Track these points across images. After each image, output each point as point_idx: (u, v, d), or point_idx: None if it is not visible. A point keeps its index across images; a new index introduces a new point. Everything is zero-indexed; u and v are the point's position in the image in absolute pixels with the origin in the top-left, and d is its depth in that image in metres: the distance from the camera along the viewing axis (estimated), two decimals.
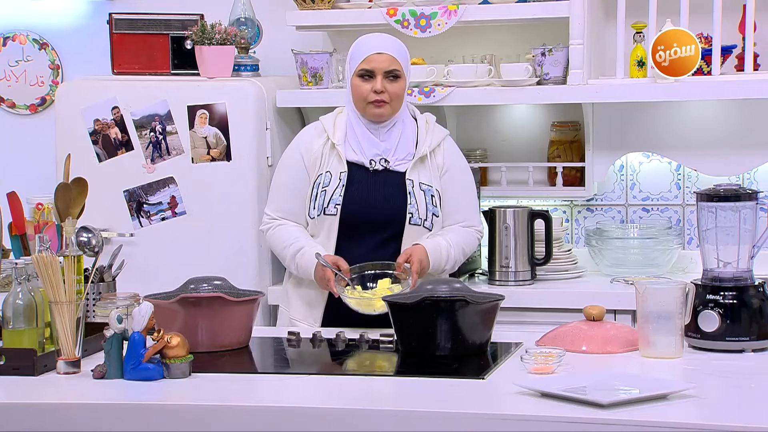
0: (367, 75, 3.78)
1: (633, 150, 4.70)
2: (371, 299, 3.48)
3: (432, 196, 3.80)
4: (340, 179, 3.79)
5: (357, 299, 3.49)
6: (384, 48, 3.81)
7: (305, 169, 3.85)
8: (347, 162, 3.81)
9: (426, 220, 3.78)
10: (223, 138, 4.54)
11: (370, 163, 3.80)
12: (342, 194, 3.77)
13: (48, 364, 3.08)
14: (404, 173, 3.80)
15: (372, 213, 3.78)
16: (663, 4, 4.38)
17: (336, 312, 3.68)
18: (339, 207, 3.77)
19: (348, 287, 3.59)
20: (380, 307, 3.43)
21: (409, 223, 3.77)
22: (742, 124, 4.57)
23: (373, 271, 3.65)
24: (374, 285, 3.64)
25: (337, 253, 3.77)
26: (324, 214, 3.78)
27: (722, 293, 3.18)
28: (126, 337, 2.99)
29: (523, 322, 4.14)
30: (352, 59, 3.83)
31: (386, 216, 3.78)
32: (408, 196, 3.77)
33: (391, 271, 3.66)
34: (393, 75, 3.78)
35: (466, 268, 4.43)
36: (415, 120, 3.90)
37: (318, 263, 3.69)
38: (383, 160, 3.81)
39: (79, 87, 4.72)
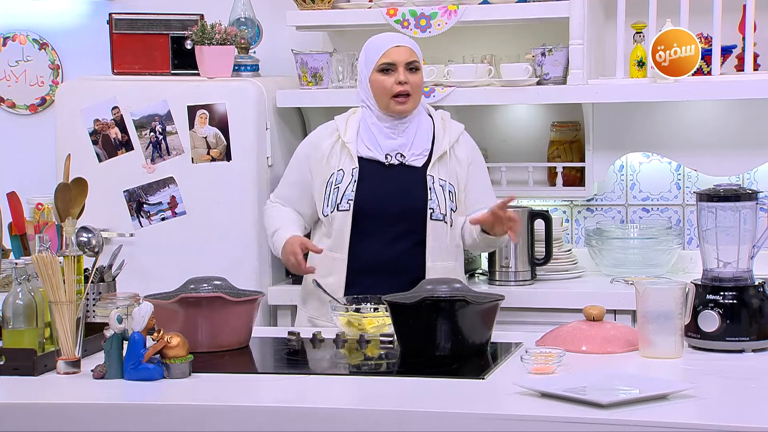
0: (388, 68, 3.82)
1: (633, 150, 4.70)
2: (362, 318, 3.43)
3: (450, 192, 3.82)
4: (353, 175, 3.82)
5: (348, 317, 3.45)
6: (401, 41, 3.88)
7: (309, 169, 3.92)
8: (361, 158, 3.84)
9: (446, 215, 3.81)
10: (223, 138, 4.54)
11: (386, 158, 3.83)
12: (354, 189, 3.81)
13: (48, 364, 3.07)
14: (420, 168, 3.83)
15: (387, 206, 3.81)
16: (663, 4, 4.38)
17: None
18: (351, 202, 3.80)
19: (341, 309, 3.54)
20: (371, 330, 3.41)
21: (431, 218, 3.80)
22: (742, 124, 4.57)
23: (369, 303, 3.59)
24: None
25: (352, 249, 3.82)
26: (337, 210, 3.80)
27: (722, 293, 3.18)
28: (126, 337, 2.99)
29: (523, 322, 4.13)
30: (368, 58, 3.87)
31: (402, 209, 3.81)
32: (429, 191, 3.80)
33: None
34: (413, 67, 3.84)
35: (467, 268, 4.43)
36: (431, 117, 3.94)
37: (285, 244, 3.80)
38: (399, 155, 3.83)
39: (79, 87, 4.72)
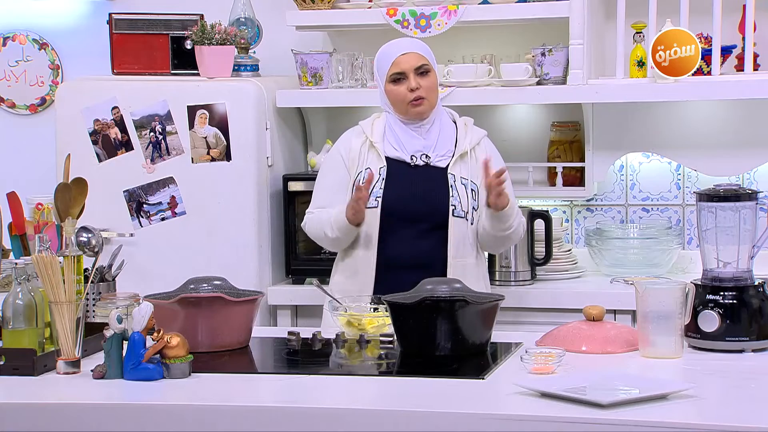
0: (399, 78, 3.86)
1: (633, 150, 4.70)
2: (362, 318, 3.42)
3: (472, 190, 3.87)
4: (380, 174, 3.87)
5: (348, 317, 3.45)
6: (408, 48, 3.91)
7: (346, 168, 3.92)
8: (388, 159, 3.89)
9: (468, 213, 3.85)
10: (223, 138, 4.54)
11: (411, 159, 3.89)
12: (382, 187, 3.85)
13: (48, 364, 3.07)
14: (445, 168, 3.88)
15: (413, 205, 3.85)
16: (663, 4, 4.38)
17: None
18: (380, 200, 3.84)
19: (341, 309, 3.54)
20: (371, 330, 3.41)
21: (453, 215, 3.84)
22: (742, 124, 4.57)
23: (369, 303, 3.59)
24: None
25: (379, 245, 3.85)
26: (365, 207, 3.82)
27: (722, 293, 3.18)
28: (126, 337, 2.99)
29: (523, 322, 4.14)
30: (380, 68, 3.92)
31: (427, 208, 3.85)
32: (450, 189, 3.85)
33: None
34: (423, 70, 3.87)
35: None
36: (455, 123, 3.98)
37: (347, 206, 3.77)
38: (424, 156, 3.88)
39: (79, 87, 4.72)
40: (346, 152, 3.94)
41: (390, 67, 3.87)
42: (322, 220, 3.90)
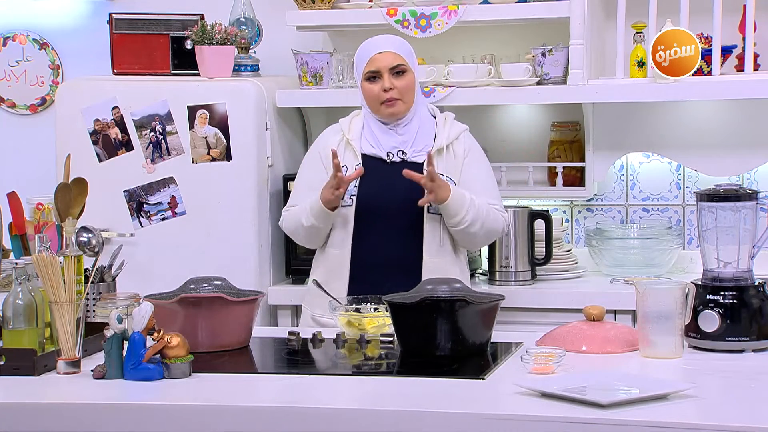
0: (373, 76, 3.85)
1: (633, 150, 4.70)
2: (362, 318, 3.42)
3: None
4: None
5: (348, 317, 3.45)
6: (385, 47, 3.88)
7: (323, 166, 3.91)
8: (365, 156, 3.88)
9: None
10: (223, 138, 4.54)
11: (388, 155, 3.87)
12: (357, 185, 3.83)
13: (48, 364, 3.07)
14: (422, 164, 3.83)
15: (388, 203, 3.84)
16: (663, 4, 4.38)
17: None
18: (354, 198, 3.83)
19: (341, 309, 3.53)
20: (371, 330, 3.41)
21: (428, 212, 3.83)
22: (742, 124, 4.57)
23: (369, 303, 3.59)
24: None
25: (354, 244, 3.84)
26: (341, 206, 3.82)
27: (722, 293, 3.18)
28: (126, 337, 2.99)
29: (523, 322, 4.14)
30: (357, 65, 3.92)
31: (403, 206, 3.83)
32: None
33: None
34: (398, 71, 3.85)
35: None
36: (435, 118, 3.97)
37: (322, 191, 3.75)
38: (400, 152, 3.87)
39: (79, 87, 4.72)
40: (323, 150, 3.92)
41: (366, 65, 3.86)
42: (297, 212, 3.89)
